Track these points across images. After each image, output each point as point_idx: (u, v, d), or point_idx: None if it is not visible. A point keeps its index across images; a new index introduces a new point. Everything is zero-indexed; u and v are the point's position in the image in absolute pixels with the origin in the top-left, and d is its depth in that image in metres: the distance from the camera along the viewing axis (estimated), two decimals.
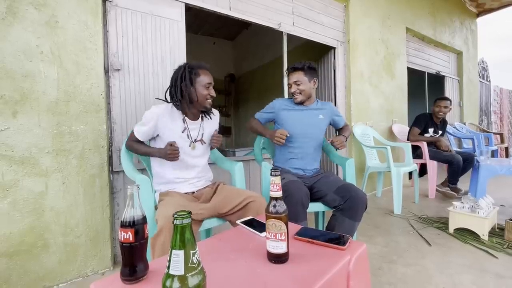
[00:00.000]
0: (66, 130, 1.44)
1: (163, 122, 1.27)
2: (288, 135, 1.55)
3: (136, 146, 1.31)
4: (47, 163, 1.39)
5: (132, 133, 1.31)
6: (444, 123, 3.18)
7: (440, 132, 3.13)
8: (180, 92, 1.28)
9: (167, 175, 1.31)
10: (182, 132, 1.31)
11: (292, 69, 1.65)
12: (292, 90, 1.65)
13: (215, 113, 1.50)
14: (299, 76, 1.62)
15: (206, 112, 1.41)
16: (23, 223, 1.33)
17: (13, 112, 1.31)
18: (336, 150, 1.67)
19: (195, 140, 1.35)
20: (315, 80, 1.67)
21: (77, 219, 1.47)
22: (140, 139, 1.30)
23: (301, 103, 1.68)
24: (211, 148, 1.50)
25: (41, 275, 1.37)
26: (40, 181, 1.37)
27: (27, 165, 1.34)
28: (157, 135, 1.30)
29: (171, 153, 1.21)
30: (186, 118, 1.33)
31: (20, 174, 1.32)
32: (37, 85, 1.36)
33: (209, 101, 1.33)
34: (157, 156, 1.27)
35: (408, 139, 3.12)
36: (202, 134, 1.38)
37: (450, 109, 3.08)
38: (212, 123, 1.46)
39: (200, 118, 1.39)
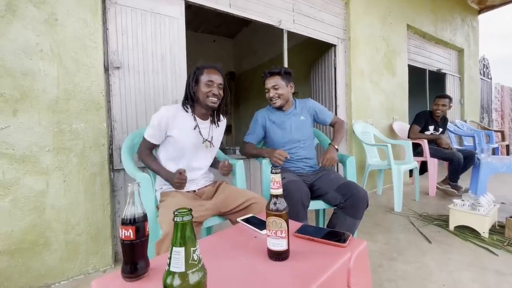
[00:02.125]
0: (66, 128, 1.44)
1: (174, 122, 1.27)
2: (288, 158, 1.53)
3: (147, 161, 1.28)
4: (48, 161, 1.39)
5: (144, 139, 1.29)
6: (444, 120, 3.17)
7: (441, 129, 3.12)
8: (188, 92, 1.32)
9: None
10: (194, 129, 1.31)
11: (269, 74, 1.65)
12: (271, 94, 1.64)
13: (223, 120, 1.49)
14: (276, 80, 1.62)
15: (217, 116, 1.41)
16: (24, 221, 1.33)
17: (13, 111, 1.31)
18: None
19: (206, 139, 1.35)
20: (292, 85, 1.68)
21: (78, 217, 1.48)
22: (152, 141, 1.28)
23: (280, 107, 1.68)
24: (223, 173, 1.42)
25: (43, 273, 1.38)
26: (41, 179, 1.37)
27: (28, 163, 1.34)
28: (169, 136, 1.29)
29: (178, 182, 1.16)
30: (196, 116, 1.34)
31: (21, 172, 1.32)
32: (37, 83, 1.36)
33: (211, 99, 1.29)
34: (164, 179, 1.25)
35: (408, 137, 3.11)
36: (212, 137, 1.38)
37: (450, 107, 3.07)
38: (219, 129, 1.46)
39: (209, 120, 1.39)
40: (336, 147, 1.62)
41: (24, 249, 1.33)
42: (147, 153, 1.30)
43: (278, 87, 1.62)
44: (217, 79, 1.31)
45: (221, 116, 1.46)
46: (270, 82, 1.63)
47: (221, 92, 1.33)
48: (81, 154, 1.48)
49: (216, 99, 1.30)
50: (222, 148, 1.76)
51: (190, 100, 1.32)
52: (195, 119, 1.33)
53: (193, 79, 1.31)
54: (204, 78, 1.29)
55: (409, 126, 3.19)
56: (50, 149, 1.40)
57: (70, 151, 1.45)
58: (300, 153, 1.66)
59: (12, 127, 1.30)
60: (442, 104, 3.00)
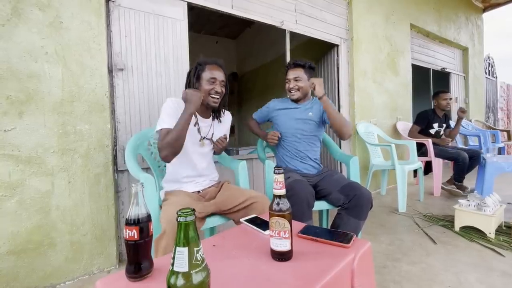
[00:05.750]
0: (71, 130, 1.46)
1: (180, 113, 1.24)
2: (280, 136, 1.65)
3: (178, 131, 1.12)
4: (53, 163, 1.41)
5: (163, 130, 1.15)
6: (446, 116, 3.16)
7: (444, 125, 3.11)
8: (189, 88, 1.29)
9: (177, 173, 1.30)
10: (194, 125, 1.29)
11: (294, 65, 1.64)
12: (291, 85, 1.64)
13: (227, 115, 1.47)
14: (299, 72, 1.62)
15: (218, 113, 1.39)
16: (30, 222, 1.35)
17: (19, 113, 1.32)
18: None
19: (204, 137, 1.33)
20: None
21: (83, 217, 1.49)
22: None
23: (297, 100, 1.68)
24: (215, 152, 1.45)
25: (48, 273, 1.39)
26: (46, 180, 1.39)
27: (34, 164, 1.36)
28: None
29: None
30: (197, 114, 1.32)
31: (26, 173, 1.34)
32: (42, 85, 1.38)
33: (212, 97, 1.27)
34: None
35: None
36: (213, 134, 1.37)
37: None
38: (223, 126, 1.43)
39: (211, 118, 1.38)
40: (324, 98, 1.48)
41: (29, 249, 1.35)
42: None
43: (300, 80, 1.62)
44: (220, 76, 1.28)
45: (223, 111, 1.43)
46: (293, 73, 1.63)
47: (223, 89, 1.31)
48: (86, 155, 1.50)
49: (218, 97, 1.29)
50: (225, 149, 1.76)
51: None
52: (195, 116, 1.31)
53: (194, 75, 1.28)
54: (206, 75, 1.27)
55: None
56: (55, 151, 1.41)
57: (74, 152, 1.47)
58: (301, 146, 1.65)
59: (18, 128, 1.32)
60: (450, 98, 3.02)
